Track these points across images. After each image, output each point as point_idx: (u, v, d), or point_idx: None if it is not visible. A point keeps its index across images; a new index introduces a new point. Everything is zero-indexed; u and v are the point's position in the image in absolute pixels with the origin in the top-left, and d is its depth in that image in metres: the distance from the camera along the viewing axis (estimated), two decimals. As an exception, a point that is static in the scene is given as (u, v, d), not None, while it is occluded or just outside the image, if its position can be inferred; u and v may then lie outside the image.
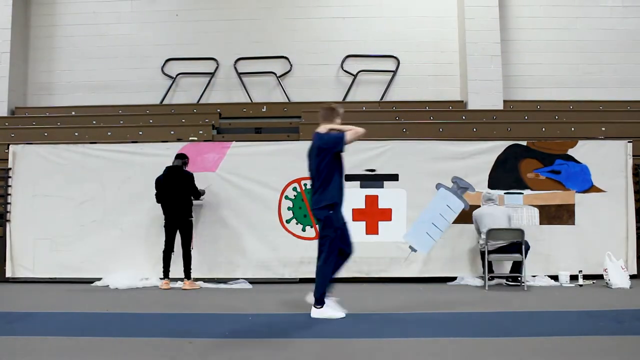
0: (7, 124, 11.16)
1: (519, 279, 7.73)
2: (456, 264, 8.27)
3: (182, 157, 8.13)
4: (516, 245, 7.58)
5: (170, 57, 12.25)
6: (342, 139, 5.51)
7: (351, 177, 8.43)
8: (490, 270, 7.89)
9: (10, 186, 8.64)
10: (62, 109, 11.82)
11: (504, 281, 8.01)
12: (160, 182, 7.97)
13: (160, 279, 7.98)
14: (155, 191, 7.97)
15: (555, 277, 8.03)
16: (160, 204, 7.97)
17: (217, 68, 12.23)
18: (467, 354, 4.41)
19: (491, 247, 7.62)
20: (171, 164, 8.04)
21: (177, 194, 7.89)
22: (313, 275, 8.05)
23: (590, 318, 5.65)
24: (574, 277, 7.88)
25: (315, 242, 8.18)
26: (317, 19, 12.32)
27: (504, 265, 8.13)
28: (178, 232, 7.93)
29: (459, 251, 8.31)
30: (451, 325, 5.39)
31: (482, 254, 7.79)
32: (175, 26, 12.39)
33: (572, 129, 10.14)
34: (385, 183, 8.45)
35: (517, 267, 7.77)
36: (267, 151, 8.65)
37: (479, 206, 8.13)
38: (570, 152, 8.50)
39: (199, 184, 8.18)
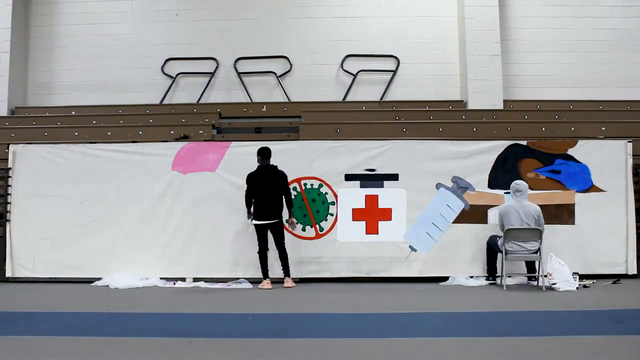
0: (7, 123, 11.15)
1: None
2: (456, 264, 8.25)
3: (269, 156, 7.99)
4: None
5: (170, 57, 12.24)
6: None
7: (351, 177, 8.45)
8: (494, 269, 7.88)
9: (10, 186, 8.62)
10: (62, 109, 11.81)
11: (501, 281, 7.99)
12: (252, 179, 7.94)
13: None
14: (246, 187, 7.96)
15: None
16: (249, 202, 7.93)
17: (217, 68, 12.23)
18: (467, 354, 4.41)
19: (523, 250, 7.51)
20: (260, 162, 7.96)
21: (270, 193, 7.85)
22: (313, 275, 8.16)
23: (590, 318, 5.65)
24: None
25: (315, 242, 8.28)
26: (317, 18, 12.31)
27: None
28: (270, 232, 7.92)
29: (459, 251, 8.29)
30: (451, 325, 5.39)
31: (492, 252, 7.86)
32: (175, 26, 12.37)
33: (572, 128, 10.14)
34: (385, 183, 8.44)
35: (532, 266, 7.80)
36: (267, 151, 8.64)
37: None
38: (570, 151, 8.49)
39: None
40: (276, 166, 8.03)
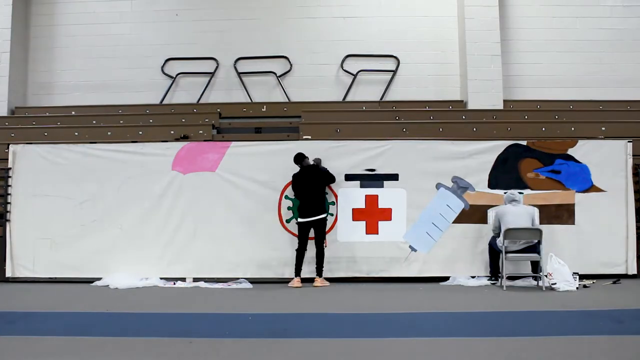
0: (7, 123, 11.15)
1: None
2: (456, 264, 8.25)
3: (302, 159, 8.15)
4: (534, 245, 7.61)
5: (170, 57, 12.24)
6: None
7: (351, 177, 8.46)
8: (497, 270, 7.88)
9: (10, 186, 8.63)
10: (62, 109, 11.81)
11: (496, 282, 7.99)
12: (296, 180, 8.09)
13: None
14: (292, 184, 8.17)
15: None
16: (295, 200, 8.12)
17: (217, 68, 12.23)
18: (467, 354, 4.42)
19: (516, 247, 7.60)
20: (300, 164, 8.12)
21: (313, 192, 7.98)
22: (313, 275, 8.16)
23: (590, 318, 5.65)
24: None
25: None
26: (317, 18, 12.31)
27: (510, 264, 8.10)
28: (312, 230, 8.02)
29: (459, 251, 8.29)
30: (451, 325, 5.39)
31: (494, 252, 7.84)
32: (175, 26, 12.37)
33: (572, 128, 10.13)
34: (385, 183, 8.44)
35: (535, 267, 7.81)
36: (267, 151, 8.64)
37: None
38: (570, 151, 8.49)
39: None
40: (317, 165, 8.18)
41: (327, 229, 8.18)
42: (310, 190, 8.01)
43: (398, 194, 8.41)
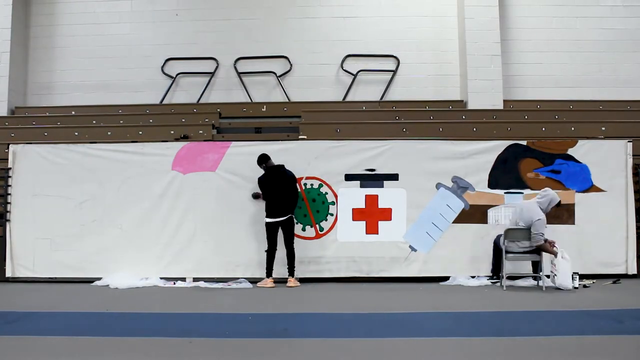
0: (7, 123, 11.15)
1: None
2: (456, 264, 8.25)
3: (268, 158, 8.10)
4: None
5: (170, 57, 12.24)
6: None
7: (351, 177, 8.46)
8: (499, 269, 7.86)
9: (10, 186, 8.63)
10: (62, 109, 11.81)
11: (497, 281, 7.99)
12: (264, 183, 8.01)
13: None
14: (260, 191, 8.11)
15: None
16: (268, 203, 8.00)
17: (217, 68, 12.23)
18: (467, 354, 4.42)
19: (518, 248, 7.59)
20: (266, 166, 8.06)
21: (283, 192, 7.95)
22: (313, 275, 8.16)
23: (590, 318, 5.65)
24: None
25: (315, 242, 8.28)
26: (317, 18, 12.32)
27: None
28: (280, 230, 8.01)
29: (459, 251, 8.29)
30: (451, 325, 5.39)
31: (498, 250, 7.85)
32: (175, 26, 12.38)
33: (572, 128, 10.14)
34: (385, 183, 8.44)
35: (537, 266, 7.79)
36: (267, 151, 8.61)
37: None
38: (570, 151, 8.49)
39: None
40: (283, 165, 8.13)
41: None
42: (283, 190, 7.97)
43: (398, 194, 8.41)
